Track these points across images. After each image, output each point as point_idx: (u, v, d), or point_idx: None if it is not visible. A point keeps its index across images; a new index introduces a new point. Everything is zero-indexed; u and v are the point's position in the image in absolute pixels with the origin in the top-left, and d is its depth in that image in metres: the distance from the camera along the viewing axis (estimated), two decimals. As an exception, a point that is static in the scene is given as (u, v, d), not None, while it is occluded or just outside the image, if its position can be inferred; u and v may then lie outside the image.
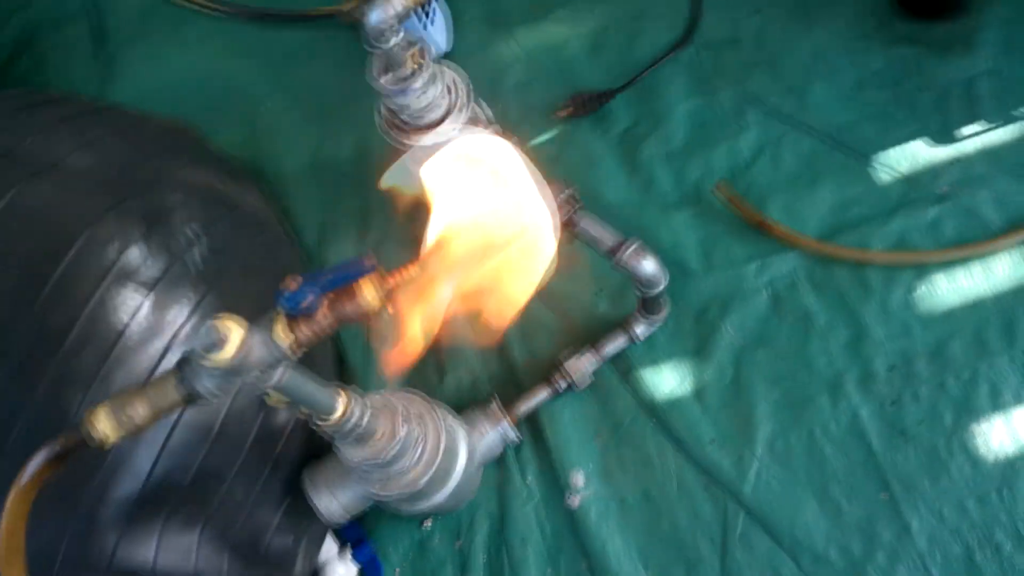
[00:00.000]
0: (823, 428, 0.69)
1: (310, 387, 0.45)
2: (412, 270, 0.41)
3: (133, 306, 0.56)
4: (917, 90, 0.79)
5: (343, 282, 0.39)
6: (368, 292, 0.39)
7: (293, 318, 0.39)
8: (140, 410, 0.39)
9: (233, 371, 0.38)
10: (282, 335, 0.39)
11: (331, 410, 0.49)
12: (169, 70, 0.96)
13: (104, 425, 0.39)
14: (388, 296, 0.40)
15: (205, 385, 0.38)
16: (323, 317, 0.39)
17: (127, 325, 0.56)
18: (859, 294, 0.72)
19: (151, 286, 0.57)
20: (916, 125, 0.77)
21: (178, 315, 0.58)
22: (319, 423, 0.50)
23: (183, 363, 0.39)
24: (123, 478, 0.55)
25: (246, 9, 0.96)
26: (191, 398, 0.39)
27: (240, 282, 0.65)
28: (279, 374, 0.41)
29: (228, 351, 0.36)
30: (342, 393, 0.50)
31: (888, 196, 0.75)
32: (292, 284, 0.38)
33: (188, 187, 0.67)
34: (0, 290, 0.54)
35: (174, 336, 0.57)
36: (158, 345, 0.56)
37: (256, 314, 0.62)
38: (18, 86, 0.97)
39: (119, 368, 0.55)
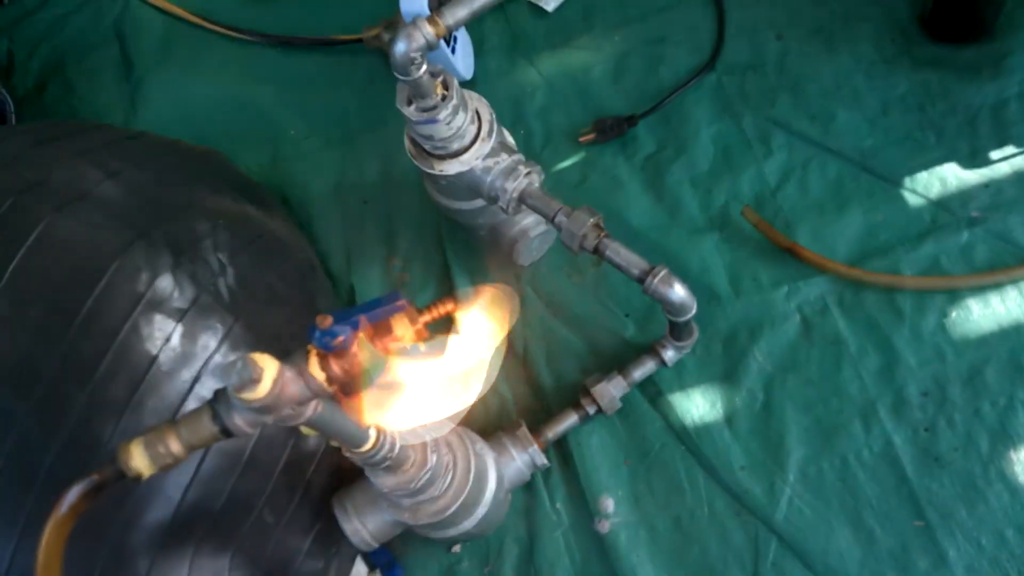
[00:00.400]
0: (856, 454, 0.68)
1: (341, 420, 0.45)
2: (444, 307, 0.41)
3: (163, 335, 0.57)
4: (944, 114, 0.78)
5: (376, 319, 0.39)
6: (400, 330, 0.40)
7: (325, 355, 0.39)
8: (173, 446, 0.39)
9: (266, 408, 0.38)
10: (315, 372, 0.39)
11: (362, 442, 0.49)
12: (193, 95, 0.96)
13: (138, 461, 0.39)
14: (419, 334, 0.40)
15: (237, 423, 0.39)
16: (355, 355, 0.39)
17: (158, 354, 0.56)
18: (890, 319, 0.71)
19: (180, 315, 0.58)
20: (944, 149, 0.77)
21: (207, 344, 0.58)
22: (350, 453, 0.50)
23: (216, 399, 0.39)
24: (154, 505, 0.55)
25: (269, 35, 0.97)
26: (224, 434, 0.39)
27: (267, 310, 0.65)
28: (311, 410, 0.41)
29: (262, 389, 0.36)
30: (372, 424, 0.50)
31: (918, 220, 0.74)
32: (325, 322, 0.38)
33: (215, 215, 0.67)
34: (31, 322, 0.54)
35: (204, 365, 0.57)
36: (188, 374, 0.57)
37: (283, 341, 0.63)
38: (47, 113, 0.98)
39: (150, 397, 0.55)
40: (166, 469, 0.40)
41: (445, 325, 0.44)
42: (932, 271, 0.73)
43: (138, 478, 0.39)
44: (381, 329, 0.40)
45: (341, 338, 0.38)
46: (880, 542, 0.66)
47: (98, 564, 0.53)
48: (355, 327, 0.39)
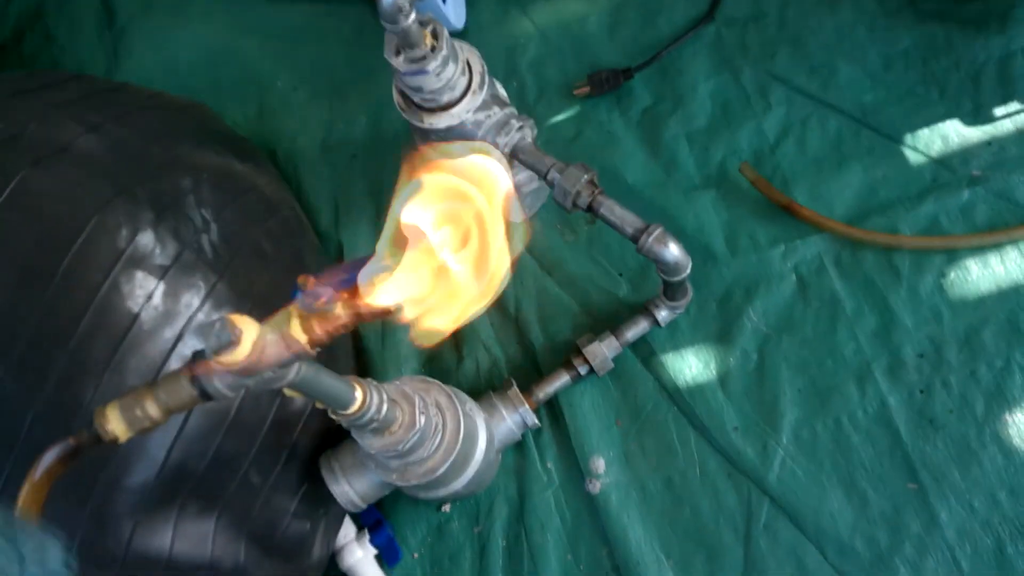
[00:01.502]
0: (850, 416, 0.68)
1: (326, 382, 0.44)
2: (431, 265, 0.39)
3: (144, 293, 0.55)
4: (948, 69, 0.76)
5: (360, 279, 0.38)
6: None
7: (308, 316, 0.38)
8: (151, 409, 0.38)
9: (246, 371, 0.36)
10: (297, 334, 0.37)
11: (348, 404, 0.48)
12: (177, 46, 0.94)
13: (115, 425, 0.38)
14: None
15: (217, 385, 0.37)
16: (339, 315, 0.38)
17: (139, 313, 0.55)
18: (888, 279, 0.70)
19: (162, 273, 0.56)
20: (947, 105, 0.75)
21: (190, 302, 0.57)
22: (336, 415, 0.49)
23: (195, 361, 0.38)
24: (137, 466, 0.55)
25: (256, -16, 0.94)
26: (203, 397, 0.38)
27: (252, 267, 0.63)
28: (294, 372, 0.39)
29: (241, 352, 0.35)
30: (358, 386, 0.49)
31: (918, 179, 0.73)
32: (308, 282, 0.36)
33: (199, 170, 0.66)
34: (6, 281, 0.53)
35: (187, 324, 0.56)
36: (170, 333, 0.55)
37: (268, 299, 0.62)
38: (26, 64, 0.95)
39: (132, 356, 0.54)
40: (144, 433, 0.38)
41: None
42: (931, 230, 0.71)
43: (115, 442, 0.38)
44: (366, 289, 0.38)
45: (324, 299, 0.37)
46: (873, 504, 0.65)
47: (80, 527, 0.53)
48: (338, 288, 0.37)
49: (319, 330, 0.38)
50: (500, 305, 0.76)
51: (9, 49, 0.96)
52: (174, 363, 0.55)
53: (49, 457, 0.39)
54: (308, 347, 0.38)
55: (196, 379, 0.37)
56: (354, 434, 0.54)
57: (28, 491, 0.39)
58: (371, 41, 0.86)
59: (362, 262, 0.38)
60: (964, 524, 0.63)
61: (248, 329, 0.36)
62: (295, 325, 0.37)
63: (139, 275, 0.55)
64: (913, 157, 0.74)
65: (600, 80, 0.80)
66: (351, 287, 0.38)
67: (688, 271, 0.62)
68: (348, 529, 0.71)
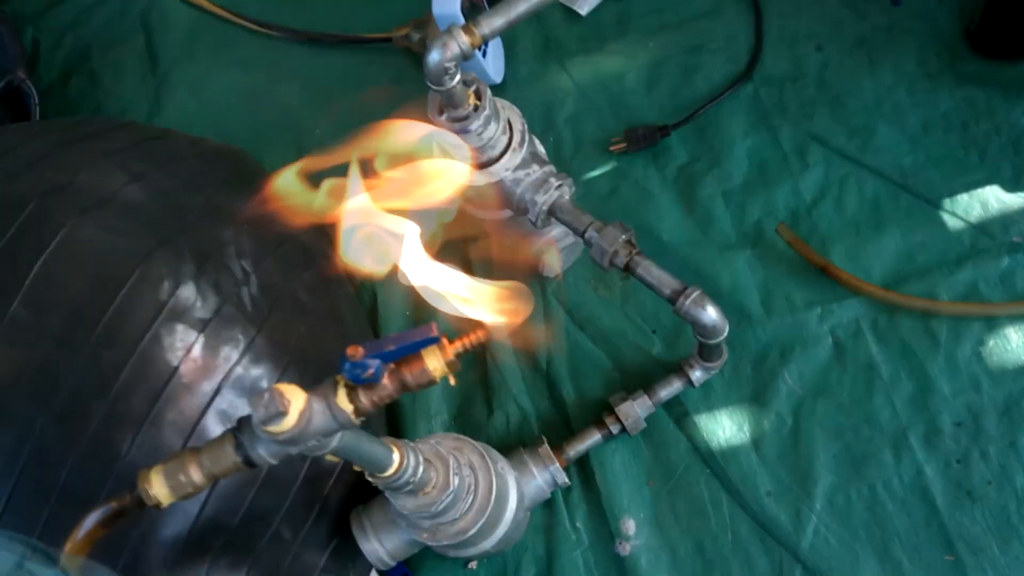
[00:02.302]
0: (885, 484, 0.67)
1: (366, 447, 0.44)
2: (476, 336, 0.39)
3: (184, 347, 0.56)
4: (988, 134, 0.76)
5: (407, 352, 0.38)
6: (431, 362, 0.38)
7: (354, 387, 0.38)
8: (195, 475, 0.38)
9: (291, 441, 0.36)
10: (343, 404, 0.37)
11: (386, 467, 0.48)
12: (218, 91, 0.95)
13: (158, 489, 0.38)
14: (451, 365, 0.39)
15: (260, 453, 0.37)
16: (384, 386, 0.38)
17: (178, 366, 0.55)
18: (925, 345, 0.70)
19: (202, 326, 0.57)
20: (987, 171, 0.74)
21: (229, 355, 0.57)
22: (372, 478, 0.49)
23: (239, 428, 0.38)
24: (171, 519, 0.55)
25: (297, 31, 0.96)
26: (247, 464, 0.38)
27: (290, 320, 0.64)
28: (336, 440, 0.39)
29: (288, 423, 0.35)
30: (395, 449, 0.49)
31: (957, 244, 0.72)
32: (356, 353, 0.36)
33: (239, 220, 0.66)
34: (51, 331, 0.53)
35: (225, 377, 0.56)
36: (209, 387, 0.56)
37: (305, 352, 0.62)
38: (71, 106, 0.97)
39: (169, 409, 0.54)
40: (186, 498, 0.39)
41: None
42: (970, 297, 0.71)
43: (157, 506, 0.38)
44: (411, 360, 0.38)
45: (371, 371, 0.37)
46: (908, 575, 0.64)
47: (114, 579, 0.52)
48: (386, 359, 0.38)
49: (365, 400, 0.38)
50: (531, 359, 0.76)
51: (55, 91, 0.98)
52: (211, 417, 0.55)
53: (92, 519, 0.39)
54: (353, 417, 0.38)
55: (240, 446, 0.38)
56: (388, 495, 0.54)
57: (70, 550, 0.39)
58: (410, 90, 0.88)
59: (410, 334, 0.38)
60: (1003, 600, 0.62)
61: (295, 399, 0.36)
62: (341, 395, 0.38)
63: (180, 328, 0.56)
64: (952, 222, 0.73)
65: (637, 137, 0.81)
66: (398, 359, 0.38)
67: (725, 334, 0.62)
68: (374, 582, 0.70)
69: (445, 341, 0.39)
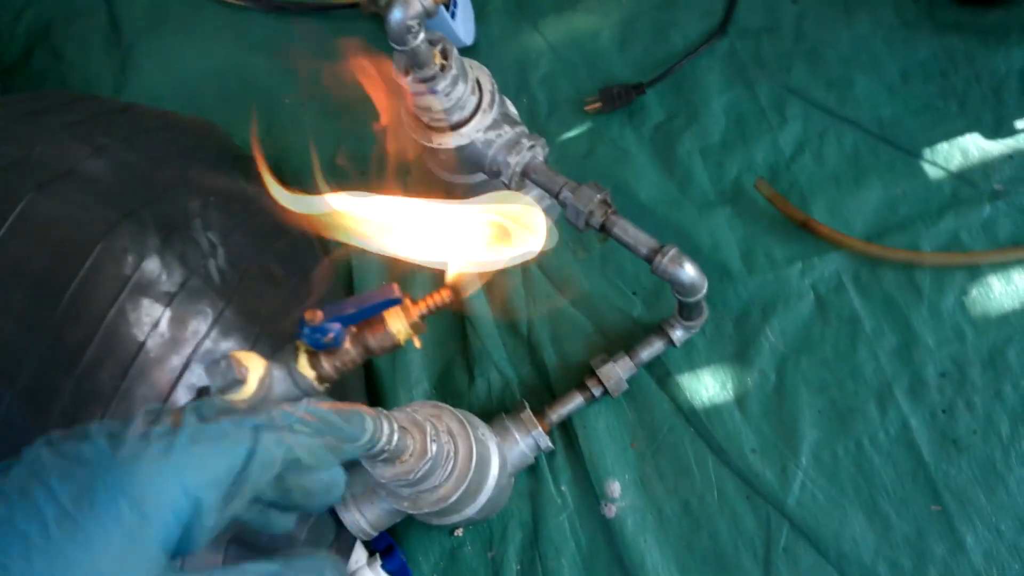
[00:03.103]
0: (871, 438, 0.66)
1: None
2: (441, 297, 0.38)
3: (151, 321, 0.54)
4: (967, 82, 0.75)
5: (368, 314, 0.37)
6: (394, 324, 0.37)
7: (316, 352, 0.37)
8: (156, 447, 0.37)
9: (253, 409, 0.35)
10: (305, 370, 0.36)
11: (358, 436, 0.46)
12: (185, 63, 0.93)
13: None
14: (415, 327, 0.37)
15: (224, 423, 0.36)
16: (347, 351, 0.37)
17: (145, 340, 0.54)
18: (908, 297, 0.69)
19: (169, 300, 0.55)
20: (967, 119, 0.73)
21: (197, 329, 0.56)
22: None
23: (199, 399, 0.37)
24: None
25: (264, 1, 0.94)
26: (209, 435, 0.37)
27: (260, 292, 0.62)
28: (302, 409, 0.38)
29: (247, 390, 0.34)
30: (368, 417, 0.47)
31: (938, 194, 0.71)
32: (315, 317, 0.35)
33: (206, 192, 0.65)
34: (12, 307, 0.52)
35: (194, 351, 0.55)
36: (177, 361, 0.54)
37: (277, 324, 0.61)
38: (35, 82, 0.95)
39: (138, 384, 0.53)
40: (148, 471, 0.37)
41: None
42: (952, 247, 0.70)
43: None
44: (373, 323, 0.37)
45: (332, 335, 0.36)
46: (895, 528, 0.64)
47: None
48: (346, 323, 0.36)
49: (327, 366, 0.37)
50: (512, 324, 0.75)
51: (17, 67, 0.95)
52: (181, 391, 0.54)
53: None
54: (316, 383, 0.37)
55: (202, 418, 0.36)
56: (365, 464, 0.53)
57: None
58: (380, 57, 0.86)
59: (370, 296, 0.37)
60: (991, 548, 0.62)
61: (254, 367, 0.35)
62: (303, 361, 0.37)
63: (145, 302, 0.54)
64: (933, 172, 0.72)
65: (612, 96, 0.79)
66: (360, 321, 0.37)
67: (704, 292, 0.61)
68: (360, 554, 0.70)
69: (408, 302, 0.38)
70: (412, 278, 0.74)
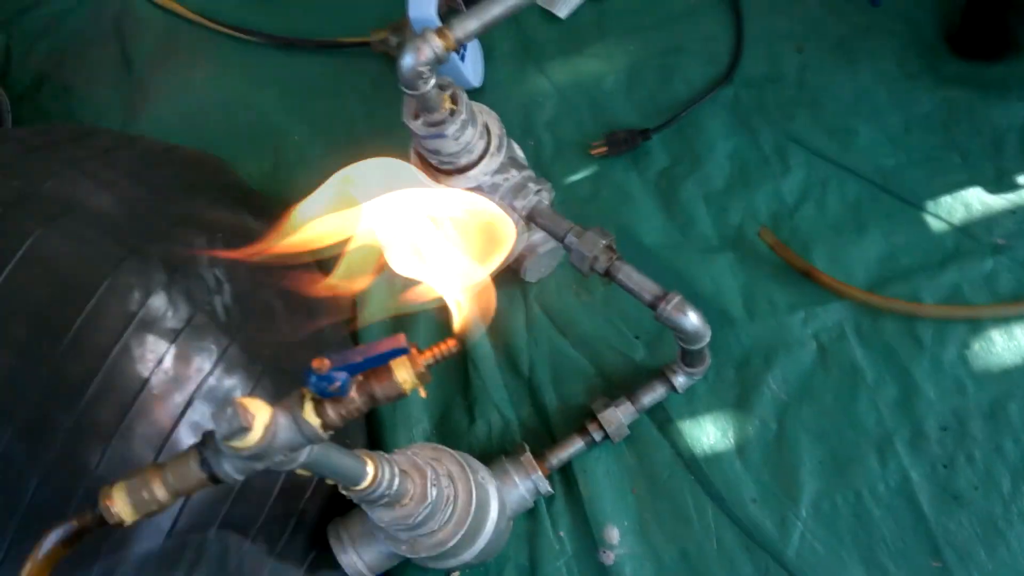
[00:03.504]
0: (871, 489, 0.66)
1: (337, 461, 0.43)
2: (447, 347, 0.38)
3: (155, 358, 0.54)
4: (969, 134, 0.75)
5: (375, 363, 0.37)
6: (401, 374, 0.37)
7: (321, 400, 0.37)
8: (158, 492, 0.37)
9: (257, 456, 0.35)
10: (310, 418, 0.36)
11: (359, 480, 0.46)
12: (194, 97, 0.94)
13: (121, 507, 0.37)
14: (421, 377, 0.37)
15: (226, 469, 0.36)
16: (352, 399, 0.37)
17: (149, 377, 0.53)
18: (909, 349, 0.69)
19: (174, 337, 0.55)
20: (969, 171, 0.74)
21: (201, 366, 0.56)
22: (346, 491, 0.48)
23: (204, 444, 0.37)
24: (143, 534, 0.53)
25: (273, 36, 0.95)
26: (212, 480, 0.37)
27: (264, 328, 0.62)
28: (305, 455, 0.38)
29: (252, 437, 0.34)
30: (369, 461, 0.48)
31: (940, 246, 0.72)
32: (322, 366, 0.35)
33: (213, 228, 0.65)
34: (16, 341, 0.52)
35: (197, 388, 0.55)
36: (180, 398, 0.54)
37: (280, 361, 0.61)
38: (44, 113, 0.96)
39: (140, 422, 0.53)
40: (150, 516, 0.37)
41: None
42: (954, 299, 0.70)
43: (119, 525, 0.37)
44: (380, 372, 0.37)
45: (338, 383, 0.36)
46: (895, 581, 0.63)
47: (81, 597, 0.51)
48: (353, 371, 0.36)
49: (332, 414, 0.37)
50: (513, 365, 0.75)
51: (28, 98, 0.96)
52: (183, 429, 0.53)
53: (51, 539, 0.37)
54: (321, 431, 0.37)
55: (205, 462, 0.36)
56: (364, 507, 0.53)
57: (29, 572, 0.38)
58: (388, 96, 0.87)
59: (378, 345, 0.37)
60: (991, 606, 0.61)
61: (260, 414, 0.35)
62: (308, 409, 0.37)
63: (150, 339, 0.54)
64: (934, 224, 0.73)
65: (617, 140, 0.80)
66: (365, 371, 0.37)
67: (707, 340, 0.61)
68: (355, 594, 0.69)
69: (415, 351, 0.38)
70: (415, 321, 0.75)
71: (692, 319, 0.59)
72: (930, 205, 0.73)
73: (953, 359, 0.68)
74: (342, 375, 0.36)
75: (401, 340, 0.37)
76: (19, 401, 0.51)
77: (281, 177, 0.87)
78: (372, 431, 0.74)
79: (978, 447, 0.65)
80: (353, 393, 0.37)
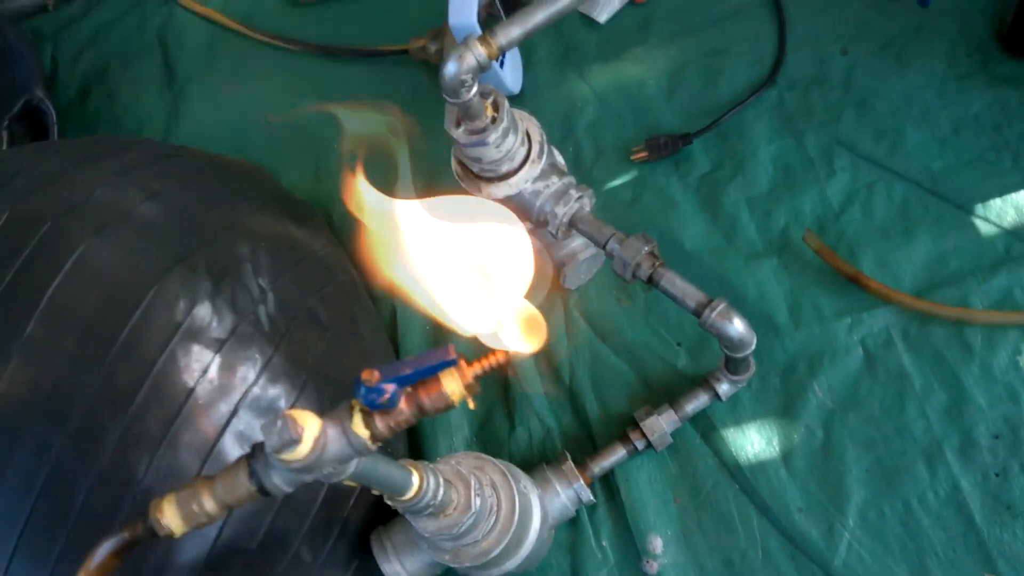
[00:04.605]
0: (920, 498, 0.65)
1: (384, 472, 0.43)
2: (496, 358, 0.38)
3: (200, 367, 0.55)
4: (1021, 136, 0.73)
5: (424, 375, 0.37)
6: (449, 386, 0.37)
7: (370, 412, 0.37)
8: (208, 504, 0.37)
9: (307, 468, 0.35)
10: (359, 430, 0.36)
11: (405, 491, 0.46)
12: (236, 106, 0.95)
13: (171, 519, 0.37)
14: (470, 388, 0.37)
15: (275, 482, 0.36)
16: (401, 411, 0.37)
17: (195, 386, 0.54)
18: (959, 355, 0.67)
19: (219, 346, 0.56)
20: (1020, 174, 0.72)
21: (246, 375, 0.56)
22: (392, 501, 0.48)
23: (253, 456, 0.37)
24: (188, 545, 0.54)
25: (313, 44, 0.95)
26: (261, 492, 0.37)
27: (308, 337, 0.63)
28: (353, 466, 0.38)
29: (302, 450, 0.34)
30: (415, 471, 0.47)
31: (990, 250, 0.70)
32: (372, 378, 0.35)
33: (256, 236, 0.65)
34: (66, 350, 0.53)
35: (242, 398, 0.55)
36: (225, 408, 0.55)
37: (324, 369, 0.61)
38: (89, 123, 0.97)
39: (186, 431, 0.53)
40: (199, 527, 0.38)
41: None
42: (1005, 304, 0.69)
43: (170, 536, 0.37)
44: (428, 384, 0.37)
45: (387, 395, 0.36)
46: (946, 593, 0.62)
47: (130, 604, 0.52)
48: (402, 383, 0.36)
49: (381, 426, 0.37)
50: (554, 373, 0.74)
51: (73, 109, 0.98)
52: (228, 439, 0.54)
53: (104, 550, 0.38)
54: (370, 443, 0.37)
55: (254, 474, 0.37)
56: (408, 517, 0.53)
57: (81, 584, 0.38)
58: (429, 104, 0.87)
59: (427, 357, 0.37)
60: (1046, 619, 0.60)
61: (309, 426, 0.35)
62: (357, 420, 0.37)
63: (196, 348, 0.55)
64: (984, 227, 0.71)
65: (658, 145, 0.79)
66: (415, 383, 0.37)
67: (752, 347, 0.60)
68: (397, 601, 0.69)
69: (463, 363, 0.37)
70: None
71: (737, 326, 0.58)
72: (980, 208, 0.72)
73: (1004, 365, 0.67)
74: (391, 387, 0.36)
75: (450, 352, 0.37)
76: (71, 409, 0.52)
77: (322, 185, 0.88)
78: (412, 437, 0.74)
79: (1032, 456, 0.64)
80: (402, 405, 0.37)
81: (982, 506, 0.64)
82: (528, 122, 0.65)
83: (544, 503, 0.64)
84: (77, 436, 0.52)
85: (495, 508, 0.57)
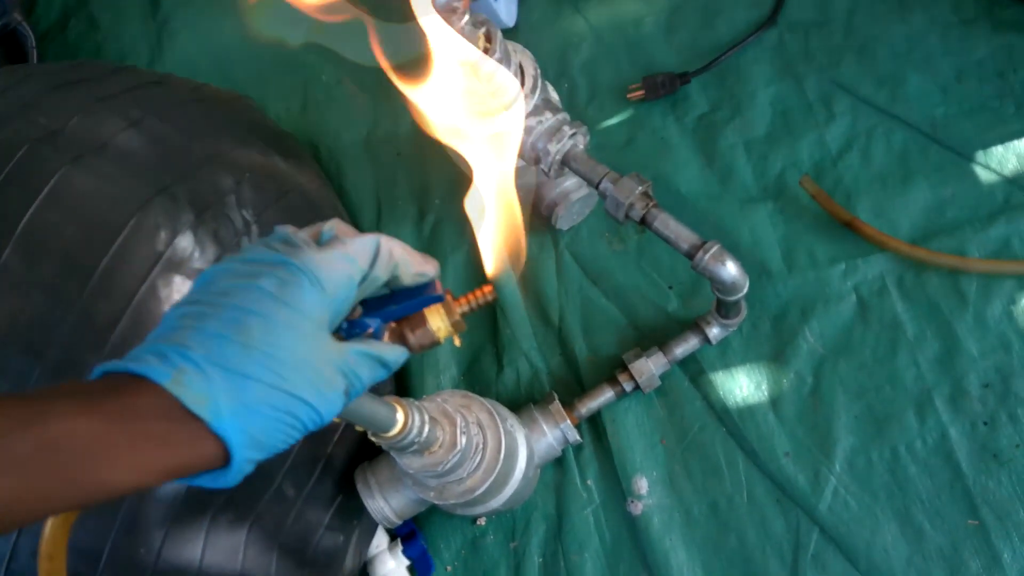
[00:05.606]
0: (908, 446, 0.64)
1: (367, 407, 0.42)
2: (483, 294, 0.37)
3: (182, 297, 0.53)
4: (1025, 82, 0.72)
5: (410, 310, 0.36)
6: (435, 322, 0.36)
7: None
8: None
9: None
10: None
11: (389, 427, 0.46)
12: (221, 36, 0.92)
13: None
14: (456, 326, 0.36)
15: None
16: None
17: (176, 318, 0.53)
18: (953, 304, 0.67)
19: (201, 277, 0.54)
20: (1022, 121, 0.71)
21: (229, 308, 0.55)
22: (376, 438, 0.47)
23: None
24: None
25: (303, -29, 0.92)
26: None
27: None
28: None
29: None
30: (400, 408, 0.47)
31: (989, 199, 0.69)
32: (354, 312, 0.34)
33: (241, 169, 0.64)
34: (43, 281, 0.51)
35: (224, 331, 0.54)
36: (207, 340, 0.54)
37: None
38: (70, 50, 0.94)
39: (167, 362, 0.52)
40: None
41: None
42: (1002, 254, 0.68)
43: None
44: (414, 320, 0.36)
45: (371, 330, 0.35)
46: (929, 540, 0.62)
47: (110, 536, 0.51)
48: (386, 318, 0.35)
49: (364, 360, 0.36)
50: (543, 314, 0.74)
51: (54, 35, 0.95)
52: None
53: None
54: (352, 377, 0.36)
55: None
56: (393, 454, 0.52)
57: (54, 521, 0.37)
58: (419, 30, 0.85)
59: (412, 292, 0.35)
60: (1029, 566, 0.60)
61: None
62: (340, 353, 0.35)
63: (177, 279, 0.54)
64: (984, 175, 0.70)
65: (655, 84, 0.77)
66: (399, 318, 0.36)
67: (745, 291, 0.59)
68: (380, 539, 0.69)
69: (450, 299, 0.36)
70: (443, 268, 0.73)
71: (730, 269, 0.57)
72: (981, 156, 0.71)
73: (998, 315, 0.66)
74: (375, 321, 0.35)
75: (437, 287, 0.36)
76: (49, 341, 0.51)
77: (309, 118, 0.86)
78: (399, 375, 0.74)
79: (1021, 405, 0.64)
80: (385, 340, 0.36)
81: (969, 454, 0.64)
82: (522, 55, 0.63)
83: (530, 442, 0.64)
84: (55, 368, 0.50)
85: (481, 446, 0.56)
